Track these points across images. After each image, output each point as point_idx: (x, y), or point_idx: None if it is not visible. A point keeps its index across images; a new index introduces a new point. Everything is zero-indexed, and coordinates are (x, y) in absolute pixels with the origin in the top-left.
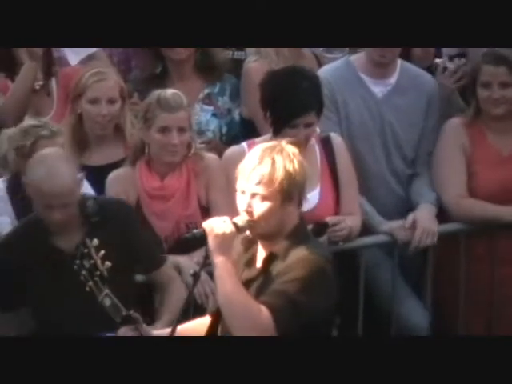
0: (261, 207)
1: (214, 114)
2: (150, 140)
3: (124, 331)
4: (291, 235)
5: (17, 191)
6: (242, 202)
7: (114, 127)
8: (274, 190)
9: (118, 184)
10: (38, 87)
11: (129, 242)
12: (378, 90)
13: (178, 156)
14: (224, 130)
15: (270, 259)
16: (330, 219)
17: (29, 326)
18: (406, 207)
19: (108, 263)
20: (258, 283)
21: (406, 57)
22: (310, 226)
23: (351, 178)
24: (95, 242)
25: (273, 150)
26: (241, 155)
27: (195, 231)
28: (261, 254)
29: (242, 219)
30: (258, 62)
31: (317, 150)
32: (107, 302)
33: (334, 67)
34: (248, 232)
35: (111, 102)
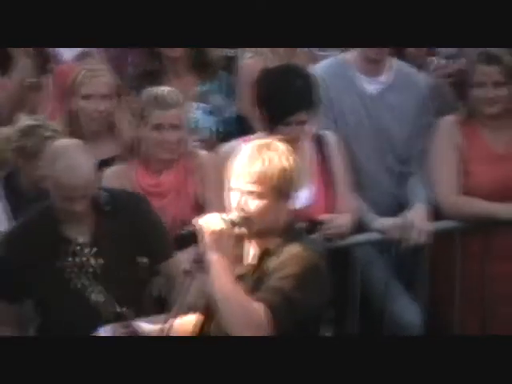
0: (255, 205)
1: (209, 112)
2: (146, 137)
3: (114, 327)
4: (285, 231)
5: (12, 189)
6: (236, 199)
7: (107, 124)
8: (268, 187)
9: (115, 180)
10: (28, 83)
11: (138, 232)
12: (372, 87)
13: (174, 153)
14: (219, 127)
15: (264, 255)
16: (322, 217)
17: (31, 320)
18: (399, 205)
19: (100, 260)
20: (252, 279)
21: (400, 55)
22: (302, 224)
23: (344, 175)
24: (87, 238)
25: (266, 147)
26: (236, 151)
27: (191, 228)
28: (251, 250)
29: (237, 216)
30: (254, 59)
31: (309, 148)
32: (100, 299)
33: (327, 64)
34: (244, 229)
35: (105, 98)
